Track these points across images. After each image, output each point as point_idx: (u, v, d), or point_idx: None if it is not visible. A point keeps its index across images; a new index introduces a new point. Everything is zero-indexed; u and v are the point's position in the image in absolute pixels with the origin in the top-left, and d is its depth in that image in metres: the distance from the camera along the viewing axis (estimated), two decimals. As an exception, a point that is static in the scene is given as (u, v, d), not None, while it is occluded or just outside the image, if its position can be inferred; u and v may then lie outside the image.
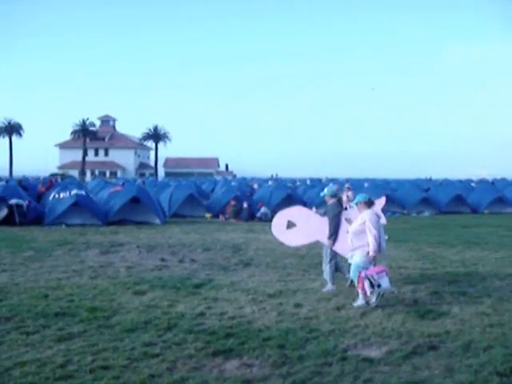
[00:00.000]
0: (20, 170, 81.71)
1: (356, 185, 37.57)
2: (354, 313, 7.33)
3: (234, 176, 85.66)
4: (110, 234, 16.77)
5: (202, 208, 24.71)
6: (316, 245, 10.30)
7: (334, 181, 43.49)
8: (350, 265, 8.22)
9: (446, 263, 11.60)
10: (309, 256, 12.28)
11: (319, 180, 51.88)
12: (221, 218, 23.40)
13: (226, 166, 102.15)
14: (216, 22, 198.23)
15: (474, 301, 8.08)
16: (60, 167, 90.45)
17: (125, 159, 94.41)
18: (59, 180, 45.09)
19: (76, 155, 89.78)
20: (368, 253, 7.72)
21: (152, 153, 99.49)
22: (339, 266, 9.02)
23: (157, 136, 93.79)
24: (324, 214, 9.16)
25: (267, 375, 5.10)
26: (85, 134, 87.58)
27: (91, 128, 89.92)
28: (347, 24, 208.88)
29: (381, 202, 10.91)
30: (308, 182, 47.31)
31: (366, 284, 7.47)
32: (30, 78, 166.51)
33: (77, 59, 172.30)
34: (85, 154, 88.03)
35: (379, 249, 7.75)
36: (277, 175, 78.72)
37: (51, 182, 29.86)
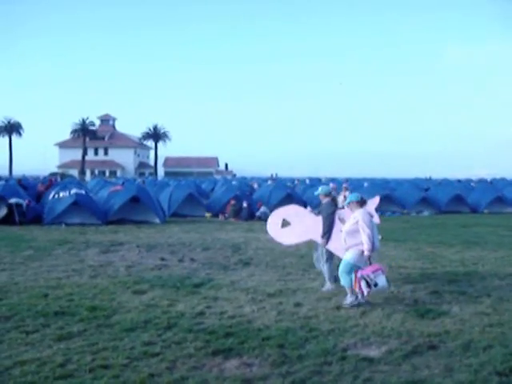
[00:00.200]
0: (20, 169, 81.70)
1: (355, 184, 37.60)
2: (354, 312, 7.33)
3: (234, 175, 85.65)
4: (110, 233, 16.77)
5: (201, 207, 24.71)
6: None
7: (333, 180, 43.44)
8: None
9: (445, 263, 11.60)
10: (309, 255, 12.25)
11: (319, 180, 51.85)
12: (220, 217, 23.41)
13: (226, 166, 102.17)
14: (216, 22, 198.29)
15: (474, 300, 8.08)
16: (60, 166, 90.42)
17: (124, 158, 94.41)
18: (59, 179, 45.11)
19: (76, 154, 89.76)
20: (360, 251, 7.70)
21: (152, 152, 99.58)
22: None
23: (156, 135, 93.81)
24: (318, 213, 9.20)
25: (267, 374, 5.10)
26: (84, 134, 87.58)
27: (91, 127, 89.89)
28: (347, 25, 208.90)
29: (375, 202, 10.94)
30: (307, 181, 47.27)
31: (363, 284, 7.47)
32: (30, 77, 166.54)
33: (76, 58, 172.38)
34: (84, 153, 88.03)
35: (373, 248, 7.74)
36: (276, 175, 78.73)
37: (51, 182, 29.83)
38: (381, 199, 30.08)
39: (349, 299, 7.72)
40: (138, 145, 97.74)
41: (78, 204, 19.27)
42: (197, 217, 23.62)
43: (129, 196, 20.47)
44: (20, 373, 5.01)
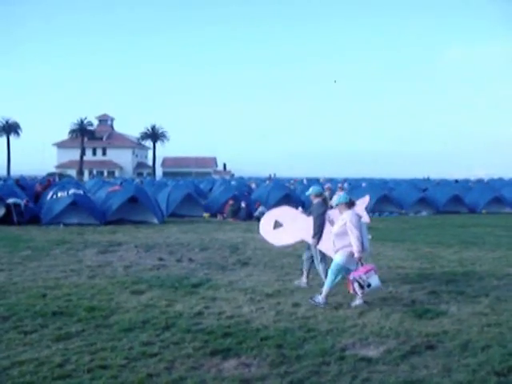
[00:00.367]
0: (18, 169, 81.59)
1: (354, 185, 37.66)
2: (352, 312, 7.34)
3: (232, 175, 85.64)
4: (108, 233, 16.76)
5: (199, 207, 24.70)
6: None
7: (331, 180, 43.48)
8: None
9: (443, 263, 11.62)
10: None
11: (317, 180, 51.83)
12: (219, 217, 23.41)
13: (224, 166, 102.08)
14: (214, 23, 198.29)
15: (472, 300, 8.09)
16: (58, 166, 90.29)
17: (123, 159, 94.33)
18: (57, 179, 45.04)
19: (74, 154, 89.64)
20: (350, 253, 7.68)
21: (150, 152, 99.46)
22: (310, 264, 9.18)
23: (155, 135, 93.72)
24: (309, 214, 9.25)
25: (265, 375, 5.10)
26: (83, 134, 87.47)
27: (89, 127, 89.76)
28: (347, 26, 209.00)
29: (365, 201, 11.02)
30: (304, 181, 47.23)
31: (356, 286, 7.49)
32: (28, 77, 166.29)
33: (75, 59, 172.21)
34: (83, 153, 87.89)
35: (363, 249, 7.72)
36: (275, 175, 78.70)
37: (49, 182, 29.78)
38: (379, 199, 30.29)
39: (318, 298, 7.70)
40: (136, 145, 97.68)
41: (76, 204, 19.25)
42: (195, 217, 23.60)
43: (127, 196, 20.46)
44: (18, 373, 5.01)
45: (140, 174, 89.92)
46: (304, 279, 9.11)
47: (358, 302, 7.69)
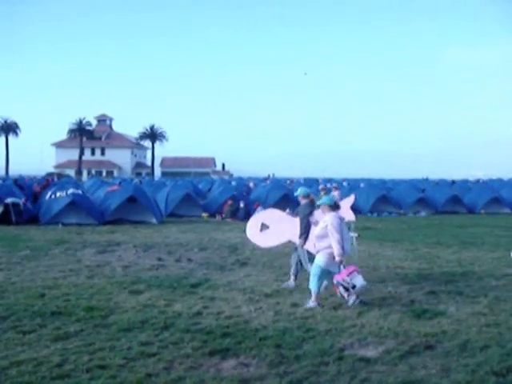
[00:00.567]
0: (16, 169, 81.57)
1: (352, 185, 37.65)
2: (351, 312, 7.34)
3: (231, 175, 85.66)
4: (107, 233, 16.75)
5: (198, 208, 24.68)
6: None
7: (330, 181, 43.49)
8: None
9: (442, 263, 11.62)
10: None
11: (316, 180, 51.86)
12: (217, 217, 23.39)
13: (223, 166, 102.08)
14: (214, 26, 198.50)
15: (471, 301, 8.10)
16: (56, 166, 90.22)
17: (121, 159, 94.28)
18: (55, 179, 45.00)
19: (72, 154, 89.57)
20: (330, 254, 7.66)
21: (148, 152, 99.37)
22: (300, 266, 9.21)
23: (153, 135, 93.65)
24: (296, 215, 9.34)
25: (264, 374, 5.10)
26: (81, 134, 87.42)
27: (88, 127, 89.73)
28: (347, 27, 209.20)
29: (350, 200, 11.14)
30: (301, 181, 47.20)
31: (341, 290, 7.50)
32: (27, 77, 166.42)
33: (74, 59, 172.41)
34: (81, 153, 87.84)
35: (343, 252, 7.71)
36: (273, 175, 78.73)
37: (48, 182, 29.74)
38: (378, 200, 30.32)
39: (310, 303, 7.67)
40: (134, 145, 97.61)
41: (74, 204, 19.23)
42: (194, 217, 23.59)
43: (126, 196, 20.44)
44: (17, 373, 5.00)
45: (139, 174, 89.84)
46: (292, 282, 9.12)
47: (351, 300, 7.65)
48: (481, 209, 29.02)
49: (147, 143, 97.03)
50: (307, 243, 8.77)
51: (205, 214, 24.13)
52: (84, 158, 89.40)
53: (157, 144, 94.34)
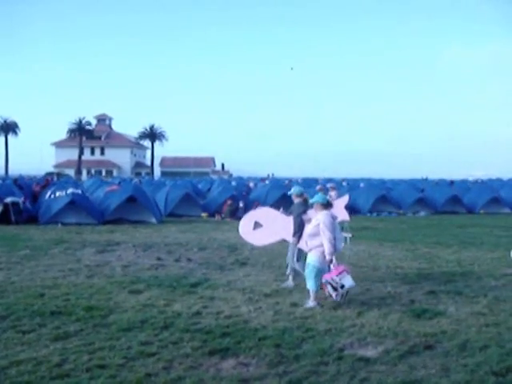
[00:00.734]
0: (16, 169, 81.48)
1: (352, 185, 37.66)
2: (350, 312, 7.34)
3: (231, 175, 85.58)
4: (106, 233, 16.74)
5: (198, 207, 24.68)
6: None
7: (330, 180, 43.46)
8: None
9: (442, 263, 11.63)
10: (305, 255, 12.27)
11: (316, 180, 51.81)
12: (217, 217, 23.40)
13: (222, 166, 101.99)
14: (213, 26, 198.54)
15: (470, 301, 8.10)
16: (56, 166, 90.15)
17: (121, 158, 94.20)
18: (55, 179, 45.00)
19: (72, 154, 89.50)
20: (323, 253, 7.70)
21: (148, 152, 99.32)
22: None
23: (153, 135, 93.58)
24: (289, 214, 9.40)
25: (263, 374, 5.10)
26: (81, 133, 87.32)
27: (87, 127, 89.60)
28: (347, 28, 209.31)
29: (344, 200, 11.19)
30: (299, 181, 47.11)
31: (329, 289, 7.51)
32: (27, 77, 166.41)
33: (74, 59, 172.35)
34: (81, 152, 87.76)
35: (335, 250, 7.73)
36: (273, 175, 78.70)
37: (48, 181, 29.73)
38: (377, 199, 30.31)
39: (310, 303, 7.67)
40: (134, 144, 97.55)
41: (74, 203, 19.23)
42: (193, 217, 23.60)
43: (125, 196, 20.44)
44: (16, 372, 5.00)
45: (138, 174, 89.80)
46: (291, 282, 9.14)
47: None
48: (480, 209, 29.04)
49: (147, 143, 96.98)
50: (301, 241, 8.82)
51: (204, 214, 24.14)
52: (83, 157, 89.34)
53: (156, 144, 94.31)
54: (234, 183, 39.09)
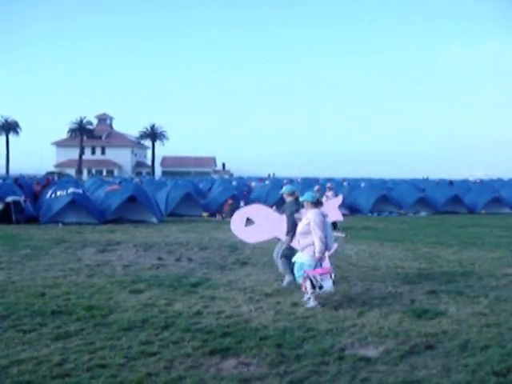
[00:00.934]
0: (17, 168, 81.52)
1: (353, 185, 37.63)
2: (351, 312, 7.33)
3: (231, 175, 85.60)
4: (107, 232, 16.75)
5: (198, 207, 24.70)
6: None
7: (330, 180, 43.46)
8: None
9: (442, 263, 11.62)
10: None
11: (316, 180, 51.78)
12: (217, 217, 23.41)
13: (223, 165, 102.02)
14: (214, 26, 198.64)
15: (471, 301, 8.09)
16: (57, 166, 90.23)
17: (122, 158, 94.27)
18: (56, 178, 45.01)
19: (73, 154, 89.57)
20: (314, 251, 7.71)
21: (149, 151, 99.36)
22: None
23: (154, 135, 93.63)
24: (282, 212, 9.42)
25: (264, 374, 5.09)
26: (82, 133, 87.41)
27: (88, 126, 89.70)
28: (346, 28, 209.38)
29: (338, 200, 11.22)
30: (298, 181, 47.07)
31: (308, 284, 7.50)
32: (28, 76, 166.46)
33: (74, 58, 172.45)
34: (81, 152, 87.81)
35: (326, 249, 7.72)
36: (273, 174, 78.72)
37: (48, 181, 29.74)
38: (378, 199, 30.30)
39: (311, 303, 7.66)
40: (135, 144, 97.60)
41: (75, 203, 19.24)
42: (194, 216, 23.62)
43: (126, 195, 20.46)
44: (17, 372, 5.00)
45: (139, 174, 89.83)
46: (289, 278, 9.05)
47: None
48: (481, 209, 29.03)
49: (148, 142, 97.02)
50: (294, 240, 8.83)
51: (205, 214, 24.16)
52: (84, 157, 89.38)
53: (157, 143, 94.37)
54: (234, 183, 39.08)
